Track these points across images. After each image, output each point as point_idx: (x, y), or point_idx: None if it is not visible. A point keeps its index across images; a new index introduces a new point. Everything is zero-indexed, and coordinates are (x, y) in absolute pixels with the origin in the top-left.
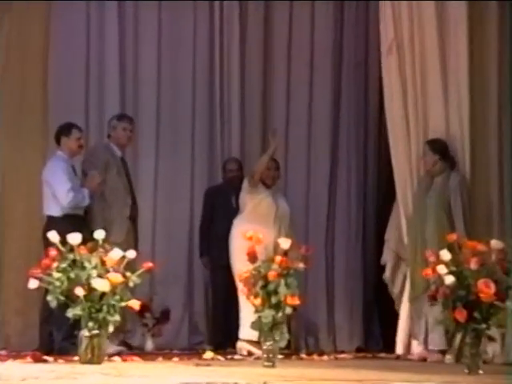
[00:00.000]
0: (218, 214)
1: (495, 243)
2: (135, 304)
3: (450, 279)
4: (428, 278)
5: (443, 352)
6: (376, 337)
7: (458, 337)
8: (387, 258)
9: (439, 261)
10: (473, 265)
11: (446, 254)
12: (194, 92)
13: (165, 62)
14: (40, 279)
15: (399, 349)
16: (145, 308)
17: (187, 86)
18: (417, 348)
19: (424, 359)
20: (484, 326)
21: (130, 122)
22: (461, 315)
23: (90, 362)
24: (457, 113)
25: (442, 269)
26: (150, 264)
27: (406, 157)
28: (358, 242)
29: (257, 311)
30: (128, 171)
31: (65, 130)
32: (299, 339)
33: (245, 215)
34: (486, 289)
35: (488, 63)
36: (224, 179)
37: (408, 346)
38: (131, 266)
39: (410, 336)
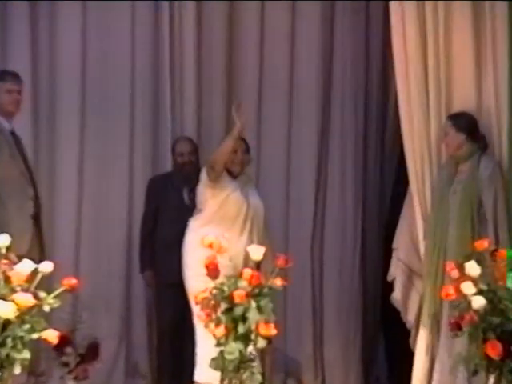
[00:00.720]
0: (166, 213)
1: None
2: (52, 336)
3: (479, 302)
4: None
5: None
6: (380, 378)
7: (492, 379)
8: (396, 272)
9: (464, 276)
10: (510, 283)
11: (473, 268)
12: (133, 52)
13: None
14: None
15: None
16: (65, 341)
17: (124, 47)
18: None
19: None
20: None
21: (16, 80)
22: (494, 350)
23: None
24: (491, 78)
25: (468, 287)
26: (72, 281)
27: (423, 136)
28: (356, 249)
29: (218, 344)
30: (24, 150)
31: None
32: (276, 381)
33: (204, 215)
34: None
35: None
36: (174, 166)
37: None
38: (46, 283)
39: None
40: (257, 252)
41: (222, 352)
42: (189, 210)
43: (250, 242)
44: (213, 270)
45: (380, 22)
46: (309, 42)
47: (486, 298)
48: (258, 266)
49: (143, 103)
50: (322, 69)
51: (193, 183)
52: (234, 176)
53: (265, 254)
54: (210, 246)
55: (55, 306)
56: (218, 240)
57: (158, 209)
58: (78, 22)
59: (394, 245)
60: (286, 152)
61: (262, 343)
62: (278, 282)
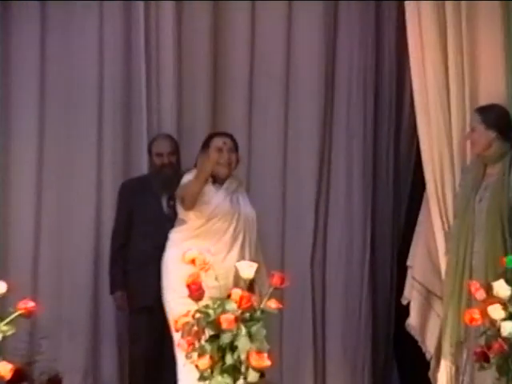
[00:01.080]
0: (142, 223)
1: None
2: (5, 369)
3: (509, 328)
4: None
5: None
6: None
7: None
8: (411, 293)
9: (492, 298)
10: None
11: (502, 288)
12: (102, 48)
13: None
14: None
15: None
16: (21, 376)
17: (91, 44)
18: None
19: None
20: None
21: None
22: None
23: None
24: None
25: (496, 311)
26: (29, 304)
27: (442, 133)
28: (364, 266)
29: (202, 378)
30: None
31: None
32: None
33: (188, 227)
34: None
35: None
36: (150, 169)
37: None
38: None
39: None
40: (247, 269)
41: None
42: (169, 220)
43: (241, 258)
44: (195, 291)
45: (393, 7)
46: (308, 28)
47: None
48: (250, 285)
49: (114, 98)
50: (324, 57)
51: (173, 189)
52: (220, 180)
53: (257, 272)
54: (193, 261)
55: (9, 333)
56: (202, 255)
57: (131, 219)
58: (36, 21)
59: (409, 262)
60: (282, 151)
61: (253, 376)
62: (273, 305)
